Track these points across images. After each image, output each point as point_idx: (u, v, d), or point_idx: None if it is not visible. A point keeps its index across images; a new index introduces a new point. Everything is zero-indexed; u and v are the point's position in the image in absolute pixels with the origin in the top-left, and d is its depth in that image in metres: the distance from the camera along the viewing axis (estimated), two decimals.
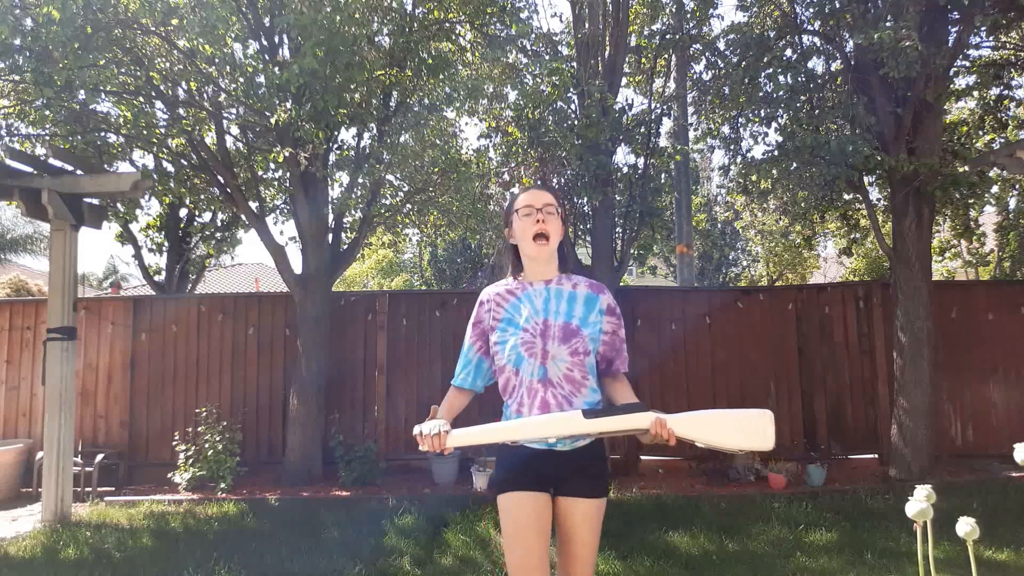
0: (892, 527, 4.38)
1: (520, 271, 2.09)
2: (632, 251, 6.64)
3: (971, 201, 7.36)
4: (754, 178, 6.68)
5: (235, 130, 7.08)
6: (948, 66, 5.74)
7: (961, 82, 7.02)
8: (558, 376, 1.95)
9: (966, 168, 6.18)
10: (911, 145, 5.88)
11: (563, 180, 6.78)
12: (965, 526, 1.42)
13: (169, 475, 6.18)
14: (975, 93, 7.01)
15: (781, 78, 6.27)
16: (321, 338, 6.37)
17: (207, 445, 6.05)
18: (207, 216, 9.08)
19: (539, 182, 6.79)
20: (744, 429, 1.87)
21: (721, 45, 6.77)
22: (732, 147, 6.69)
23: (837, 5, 5.92)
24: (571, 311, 2.00)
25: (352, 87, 5.74)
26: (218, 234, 9.27)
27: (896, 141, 5.84)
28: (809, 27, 6.50)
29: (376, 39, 6.09)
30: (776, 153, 6.19)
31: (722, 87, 6.75)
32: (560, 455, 1.96)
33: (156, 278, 8.99)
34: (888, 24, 5.26)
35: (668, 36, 6.61)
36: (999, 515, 4.55)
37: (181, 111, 6.27)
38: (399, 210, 7.31)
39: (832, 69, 6.66)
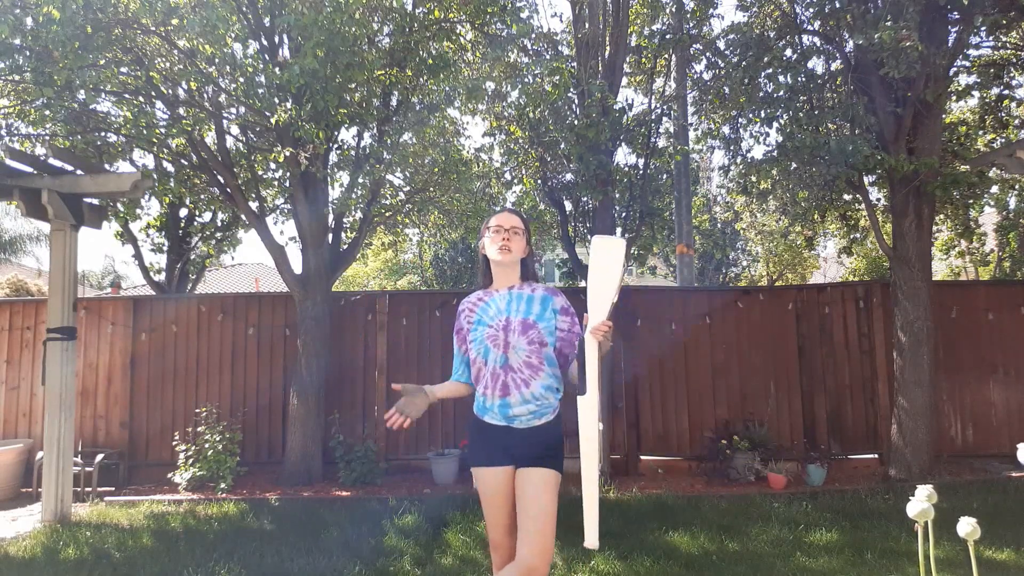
0: (892, 527, 4.38)
1: (490, 281, 2.46)
2: (632, 251, 6.64)
3: (971, 201, 7.36)
4: (754, 178, 6.68)
5: (235, 130, 7.08)
6: (948, 66, 5.74)
7: (961, 82, 7.02)
8: (518, 362, 2.30)
9: (966, 168, 6.18)
10: (911, 145, 5.88)
11: (563, 180, 6.78)
12: (966, 526, 1.42)
13: (169, 475, 6.18)
14: (975, 93, 7.01)
15: (781, 78, 6.27)
16: (321, 338, 6.37)
17: (207, 445, 6.05)
18: (207, 216, 9.08)
19: (539, 183, 6.79)
20: (609, 259, 2.10)
21: (721, 45, 6.78)
22: (732, 147, 6.69)
23: (837, 5, 5.91)
24: (529, 309, 2.36)
25: (352, 87, 5.74)
26: (218, 234, 9.27)
27: (896, 141, 5.84)
28: (809, 27, 6.50)
29: (376, 39, 6.09)
30: (776, 153, 6.19)
31: (722, 87, 6.75)
32: (518, 432, 2.30)
33: (156, 278, 8.98)
34: (888, 24, 5.25)
35: (668, 36, 6.61)
36: (999, 515, 4.55)
37: (181, 111, 6.27)
38: (399, 210, 7.31)
39: (832, 69, 6.66)
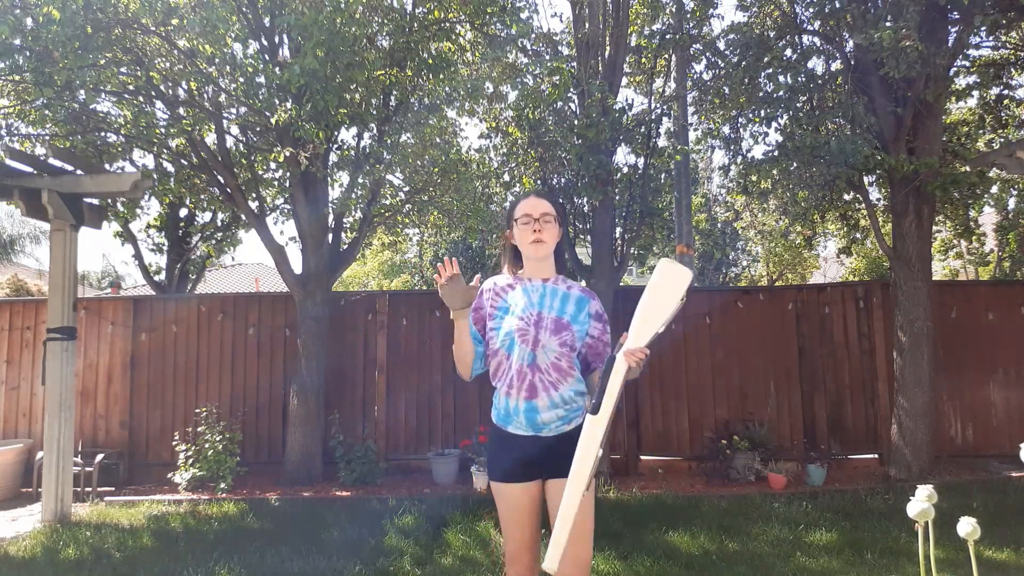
0: (892, 527, 4.38)
1: (519, 268, 2.27)
2: (632, 251, 6.64)
3: (971, 201, 7.36)
4: (754, 178, 6.68)
5: (235, 130, 7.08)
6: (948, 66, 5.74)
7: (961, 82, 7.02)
8: (546, 363, 2.12)
9: (966, 168, 6.18)
10: (911, 145, 5.88)
11: (563, 180, 6.78)
12: (966, 526, 1.42)
13: (169, 475, 6.18)
14: (975, 93, 7.01)
15: (781, 78, 6.28)
16: (321, 338, 6.38)
17: (207, 445, 6.05)
18: (207, 216, 9.08)
19: (539, 183, 6.79)
20: (669, 288, 1.96)
21: (721, 45, 6.77)
22: (732, 147, 6.69)
23: (837, 5, 5.92)
24: (563, 308, 2.17)
25: (352, 87, 5.74)
26: (218, 234, 9.27)
27: (896, 141, 5.84)
28: (809, 27, 6.50)
29: (376, 39, 6.09)
30: (776, 153, 6.19)
31: (722, 87, 6.75)
32: (546, 440, 2.12)
33: (156, 278, 8.99)
34: (888, 24, 5.26)
35: (668, 36, 6.61)
36: (999, 515, 4.55)
37: (181, 111, 6.27)
38: (399, 210, 7.31)
39: (832, 69, 6.66)
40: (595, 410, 1.91)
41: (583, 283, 6.78)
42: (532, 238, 2.16)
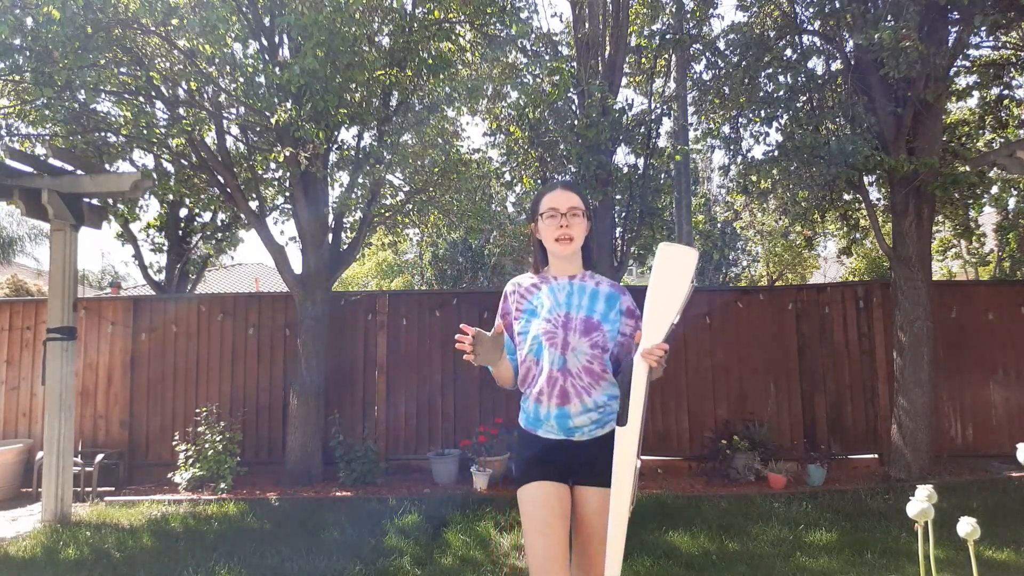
0: (892, 527, 4.38)
1: (545, 265, 2.14)
2: (632, 251, 6.65)
3: (971, 201, 7.37)
4: (754, 178, 6.69)
5: (235, 130, 7.08)
6: (948, 66, 5.74)
7: (961, 82, 7.02)
8: (577, 367, 1.99)
9: (966, 168, 6.18)
10: (911, 145, 5.88)
11: (563, 180, 6.79)
12: (966, 526, 1.42)
13: (169, 475, 6.18)
14: (975, 93, 7.01)
15: (781, 78, 6.28)
16: (321, 338, 6.38)
17: (207, 445, 6.05)
18: (207, 216, 9.08)
19: (538, 183, 6.79)
20: (676, 273, 1.77)
21: (721, 45, 6.78)
22: (732, 147, 6.70)
23: (837, 5, 5.92)
24: (592, 306, 2.03)
25: (352, 87, 5.74)
26: (218, 234, 9.27)
27: (896, 141, 5.85)
28: (809, 27, 6.50)
29: (376, 39, 6.09)
30: (776, 153, 6.19)
31: (722, 87, 6.75)
32: (577, 445, 2.01)
33: (156, 278, 8.99)
34: (888, 24, 5.26)
35: (668, 36, 6.62)
36: (999, 515, 4.55)
37: (181, 111, 6.27)
38: (399, 210, 7.31)
39: (832, 69, 6.66)
40: (622, 421, 1.79)
41: None
42: (558, 234, 2.01)
